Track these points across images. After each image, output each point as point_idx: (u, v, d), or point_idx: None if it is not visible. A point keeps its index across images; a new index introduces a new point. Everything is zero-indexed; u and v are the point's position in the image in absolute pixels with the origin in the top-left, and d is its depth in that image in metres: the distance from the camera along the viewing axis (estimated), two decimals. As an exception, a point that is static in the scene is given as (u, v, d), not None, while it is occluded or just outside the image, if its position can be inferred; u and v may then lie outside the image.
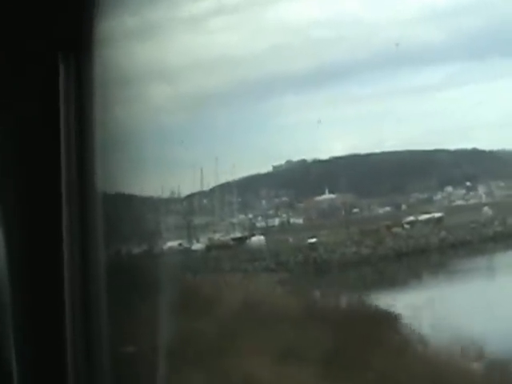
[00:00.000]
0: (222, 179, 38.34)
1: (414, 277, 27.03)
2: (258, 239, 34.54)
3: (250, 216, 34.80)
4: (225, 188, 39.29)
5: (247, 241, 34.07)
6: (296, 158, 39.83)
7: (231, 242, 33.03)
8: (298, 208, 35.87)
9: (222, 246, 32.07)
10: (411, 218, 39.02)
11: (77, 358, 2.47)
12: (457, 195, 48.41)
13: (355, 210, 42.89)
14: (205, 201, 38.72)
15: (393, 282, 26.02)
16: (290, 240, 34.08)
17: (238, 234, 35.14)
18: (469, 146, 46.35)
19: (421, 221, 38.67)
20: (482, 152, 50.81)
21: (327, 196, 40.58)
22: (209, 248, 31.99)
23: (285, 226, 34.42)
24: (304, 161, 41.47)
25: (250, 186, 35.10)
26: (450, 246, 30.66)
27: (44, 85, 2.44)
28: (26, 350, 2.36)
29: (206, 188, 39.12)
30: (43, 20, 2.41)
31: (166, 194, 34.40)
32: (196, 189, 38.67)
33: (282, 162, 36.28)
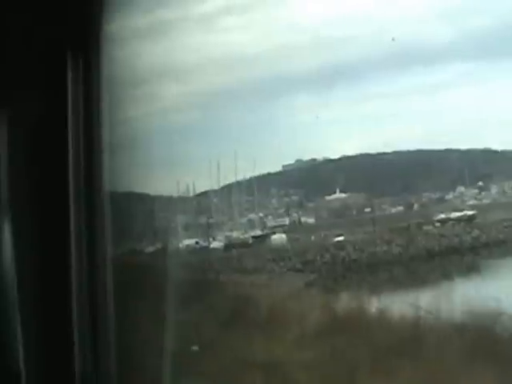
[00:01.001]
0: (232, 178, 38.24)
1: (449, 278, 24.47)
2: (279, 237, 33.63)
3: (261, 215, 34.54)
4: (236, 187, 39.23)
5: (268, 239, 33.17)
6: (306, 157, 39.75)
7: (251, 240, 32.26)
8: (308, 207, 35.78)
9: (242, 245, 31.21)
10: (442, 216, 38.08)
11: (84, 357, 2.48)
12: (469, 195, 48.22)
13: (367, 210, 42.81)
14: (215, 200, 38.59)
15: (427, 283, 23.98)
16: (312, 238, 32.55)
17: (257, 232, 34.58)
18: (480, 145, 46.03)
19: (452, 219, 37.67)
20: (495, 152, 50.52)
21: (338, 195, 40.47)
22: (228, 246, 31.12)
23: (296, 225, 34.13)
24: (314, 160, 41.42)
25: (260, 185, 34.97)
26: (484, 245, 29.14)
27: (52, 84, 2.45)
28: (34, 349, 2.37)
29: (216, 187, 38.96)
30: (52, 19, 2.41)
31: (177, 193, 34.27)
32: (206, 188, 38.57)
33: (292, 161, 36.17)
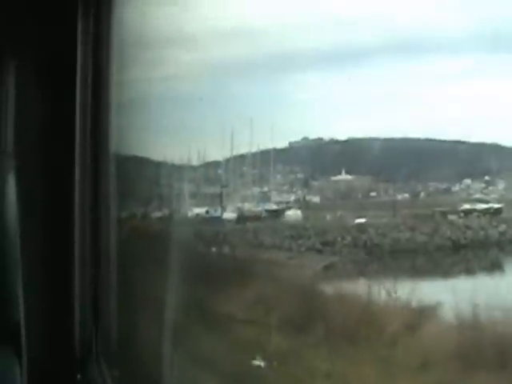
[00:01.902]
0: (238, 151, 37.91)
1: (472, 272, 24.01)
2: (294, 213, 33.81)
3: (266, 189, 34.29)
4: (240, 159, 38.88)
5: (282, 214, 33.15)
6: (313, 136, 39.35)
7: (264, 214, 31.95)
8: (313, 186, 35.84)
9: (255, 218, 30.85)
10: (467, 206, 36.78)
11: (85, 322, 2.49)
12: (475, 188, 47.89)
13: (372, 194, 42.64)
14: (219, 171, 38.42)
15: (451, 275, 23.13)
16: (328, 218, 32.15)
17: (272, 206, 33.46)
18: (489, 140, 45.40)
19: (477, 210, 36.40)
20: (504, 148, 49.92)
21: (344, 177, 40.37)
22: (240, 218, 30.56)
23: (301, 203, 34.03)
24: (321, 139, 41.19)
25: (264, 160, 34.79)
26: (510, 241, 27.72)
27: (62, 42, 2.44)
28: (35, 301, 2.39)
29: (222, 158, 38.51)
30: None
31: (183, 160, 33.98)
32: (212, 158, 38.12)
33: (298, 138, 36.03)
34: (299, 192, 35.52)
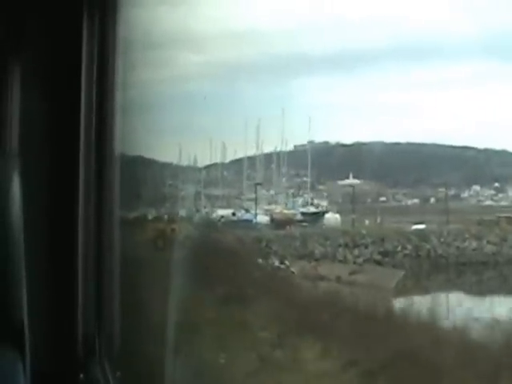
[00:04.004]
0: (246, 153, 37.92)
1: None
2: (333, 217, 30.73)
3: (272, 193, 33.92)
4: (249, 161, 38.90)
5: (321, 218, 30.18)
6: (318, 139, 39.48)
7: (299, 217, 29.60)
8: (320, 190, 35.67)
9: (289, 221, 28.25)
10: None
11: (88, 319, 2.50)
12: (485, 195, 47.66)
13: (382, 199, 42.55)
14: (225, 173, 38.20)
15: None
16: (366, 222, 29.45)
17: (310, 209, 31.25)
18: (497, 146, 45.62)
19: None
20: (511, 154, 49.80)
21: (351, 181, 40.23)
22: (274, 222, 27.96)
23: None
24: (327, 143, 41.15)
25: (270, 162, 34.60)
26: None
27: (67, 43, 2.45)
28: (38, 300, 2.40)
29: (225, 160, 38.55)
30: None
31: (187, 162, 33.81)
32: (214, 160, 38.07)
33: (304, 142, 35.80)
34: (306, 196, 34.83)
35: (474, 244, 24.31)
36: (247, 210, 29.62)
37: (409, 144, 48.83)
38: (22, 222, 2.33)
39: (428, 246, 23.70)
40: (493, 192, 47.72)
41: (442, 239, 24.39)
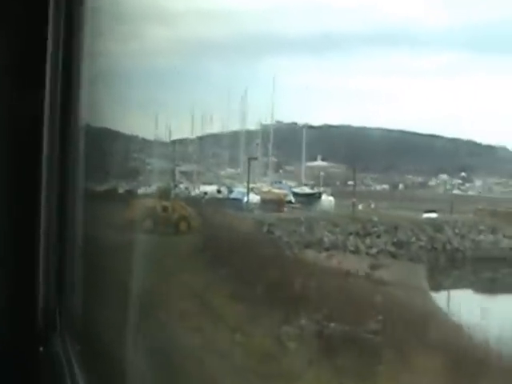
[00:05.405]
0: (208, 129, 37.58)
1: None
2: (326, 200, 29.15)
3: (239, 171, 33.49)
4: (212, 138, 38.63)
5: (315, 200, 28.59)
6: (286, 120, 39.41)
7: (289, 197, 28.01)
8: (287, 170, 35.66)
9: (280, 202, 26.50)
10: None
11: (49, 284, 2.48)
12: (451, 184, 48.18)
13: (350, 183, 42.72)
14: (190, 148, 37.65)
15: None
16: (360, 207, 27.37)
17: (305, 189, 29.78)
18: (464, 136, 46.12)
19: None
20: (478, 145, 50.79)
21: (319, 163, 40.31)
22: (265, 203, 26.00)
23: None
24: (295, 124, 41.05)
25: (237, 141, 34.31)
26: None
27: (32, 13, 2.39)
28: None
29: (192, 136, 38.05)
30: None
31: (155, 136, 33.30)
32: (182, 135, 37.63)
33: (272, 122, 35.56)
34: (273, 176, 34.41)
35: (491, 237, 23.62)
36: (229, 189, 27.70)
37: (377, 130, 49.00)
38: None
39: (444, 238, 22.97)
40: (459, 181, 48.32)
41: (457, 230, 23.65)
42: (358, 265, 14.07)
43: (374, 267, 14.94)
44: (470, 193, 42.90)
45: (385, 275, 13.40)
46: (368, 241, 20.42)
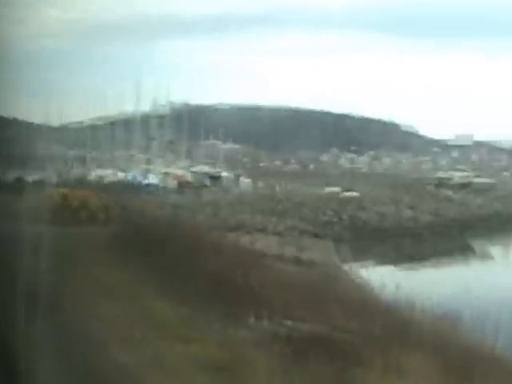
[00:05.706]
0: (103, 112, 36.79)
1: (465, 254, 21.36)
2: (243, 181, 30.14)
3: (132, 153, 32.94)
4: (107, 121, 37.73)
5: (221, 181, 29.20)
6: (179, 101, 39.16)
7: (207, 182, 28.50)
8: (181, 150, 35.29)
9: (197, 186, 26.75)
10: (445, 176, 34.61)
11: None
12: (345, 158, 49.51)
13: (245, 160, 43.06)
14: (85, 132, 36.63)
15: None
16: (289, 187, 28.37)
17: (206, 170, 30.23)
18: (355, 112, 47.66)
19: (476, 183, 33.54)
20: (369, 120, 52.68)
21: (214, 141, 40.48)
22: (182, 186, 26.16)
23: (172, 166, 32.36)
24: (187, 104, 40.86)
25: (128, 123, 33.68)
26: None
27: None
28: None
29: (85, 119, 37.06)
30: None
31: (48, 121, 32.37)
32: (77, 119, 36.72)
33: (164, 102, 35.17)
34: (169, 156, 34.17)
35: (409, 213, 24.63)
36: (139, 174, 27.80)
37: (269, 109, 49.51)
38: None
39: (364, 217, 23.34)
40: (353, 156, 49.64)
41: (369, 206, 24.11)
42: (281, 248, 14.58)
43: (301, 250, 15.16)
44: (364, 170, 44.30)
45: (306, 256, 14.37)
46: (288, 221, 20.77)
